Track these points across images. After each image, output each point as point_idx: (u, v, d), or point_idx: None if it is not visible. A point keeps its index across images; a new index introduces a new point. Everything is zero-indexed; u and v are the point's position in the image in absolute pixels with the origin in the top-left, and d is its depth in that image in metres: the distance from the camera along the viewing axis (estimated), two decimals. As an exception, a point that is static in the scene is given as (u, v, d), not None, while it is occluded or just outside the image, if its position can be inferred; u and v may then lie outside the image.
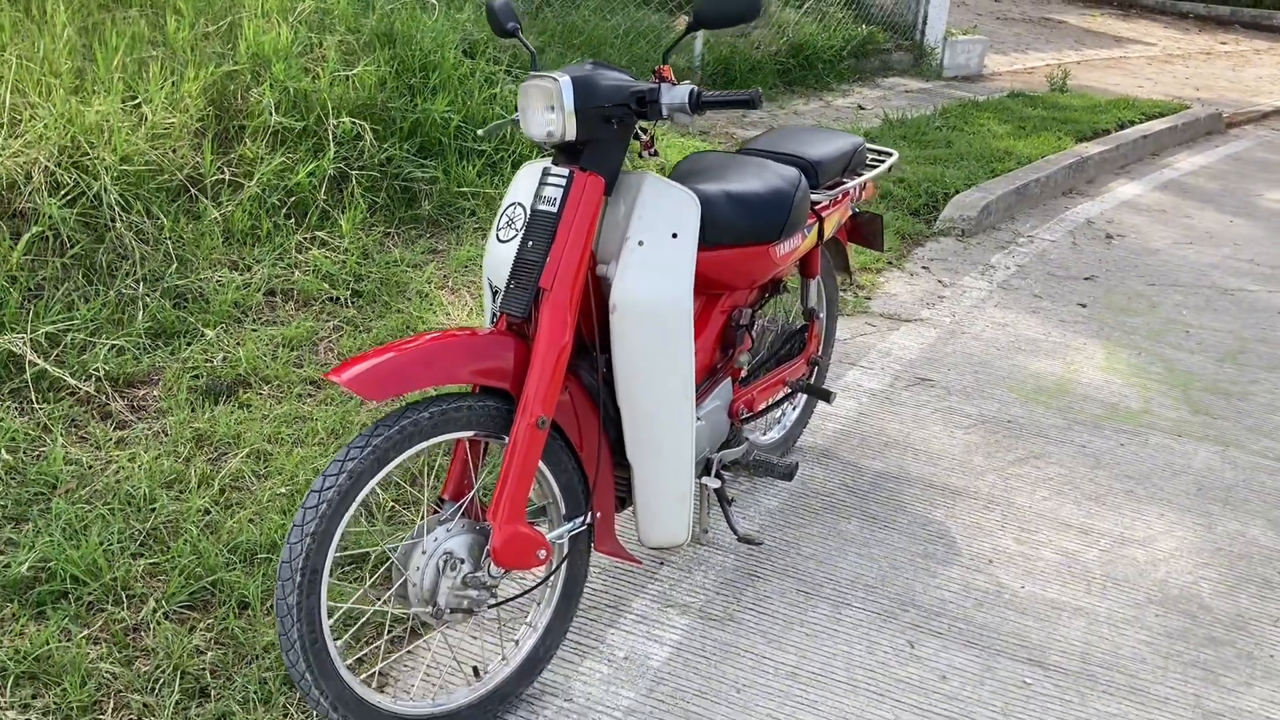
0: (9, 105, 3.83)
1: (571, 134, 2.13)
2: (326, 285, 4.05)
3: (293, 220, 4.34)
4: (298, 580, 1.94)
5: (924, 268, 5.29)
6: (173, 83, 4.33)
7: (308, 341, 3.69)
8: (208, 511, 2.71)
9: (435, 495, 2.29)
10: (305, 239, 4.28)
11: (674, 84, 2.17)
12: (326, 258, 4.17)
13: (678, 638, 2.57)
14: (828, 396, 3.10)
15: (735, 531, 2.81)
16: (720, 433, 2.75)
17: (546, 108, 2.14)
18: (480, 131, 2.64)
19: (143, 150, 4.00)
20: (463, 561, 2.13)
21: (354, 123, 4.73)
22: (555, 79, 2.12)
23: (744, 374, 2.92)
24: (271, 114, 4.53)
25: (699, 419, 2.62)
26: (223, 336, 3.58)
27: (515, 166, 5.30)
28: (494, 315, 2.40)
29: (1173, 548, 3.10)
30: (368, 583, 2.48)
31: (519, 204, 2.35)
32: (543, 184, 2.21)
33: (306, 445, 3.06)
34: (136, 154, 3.96)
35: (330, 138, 4.65)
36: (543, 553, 2.18)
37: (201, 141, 4.32)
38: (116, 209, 3.75)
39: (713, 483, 2.65)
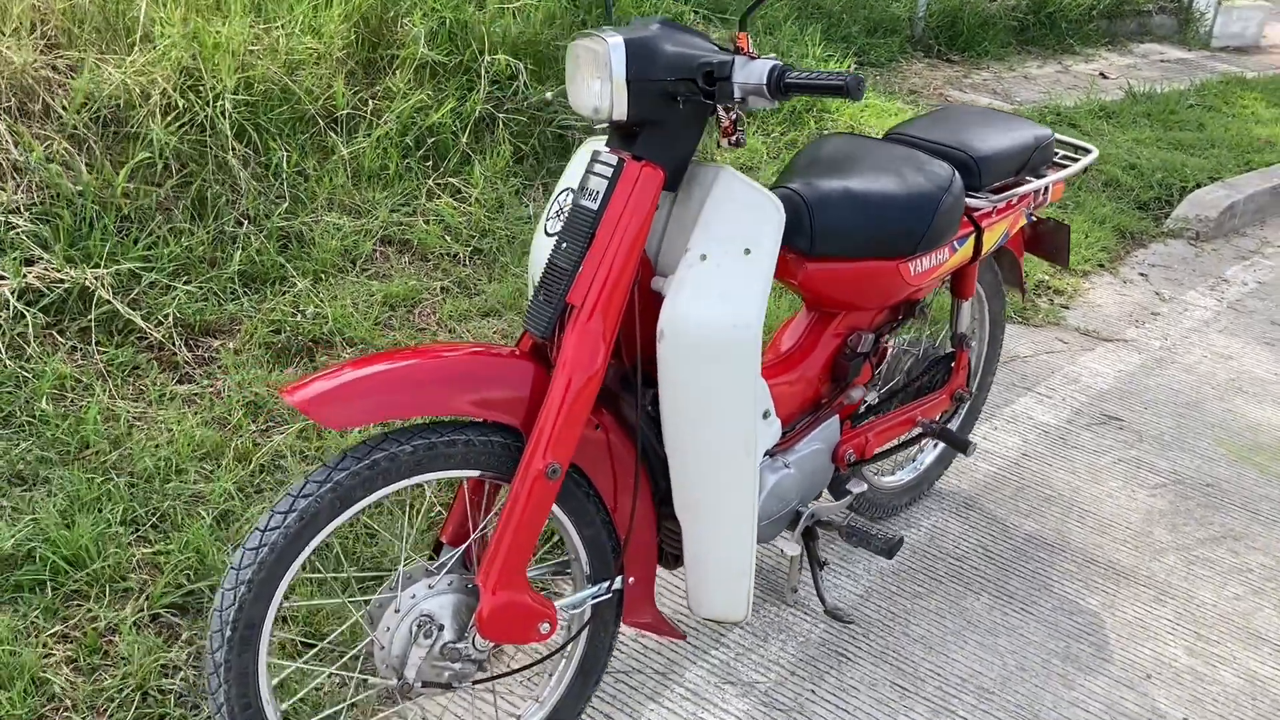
0: (143, 22, 3.64)
1: (621, 112, 1.68)
2: (447, 239, 3.73)
3: (430, 163, 4.04)
4: (228, 634, 1.60)
5: (1141, 275, 4.53)
6: (314, 5, 4.07)
7: (409, 300, 3.39)
8: (231, 496, 2.43)
9: (435, 537, 1.91)
10: (438, 185, 3.97)
11: (753, 56, 1.67)
12: (454, 208, 3.85)
13: (729, 726, 2.13)
14: (965, 447, 2.55)
15: (823, 602, 2.32)
16: (819, 481, 2.27)
17: (594, 76, 1.69)
18: (548, 94, 2.21)
19: (272, 76, 3.76)
20: (442, 628, 1.75)
21: (510, 60, 4.37)
22: (604, 39, 1.66)
23: (861, 409, 2.41)
24: (421, 45, 4.22)
25: (787, 465, 2.14)
26: (318, 287, 3.31)
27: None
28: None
29: (1400, 690, 2.41)
30: (326, 640, 2.09)
31: (571, 190, 1.92)
32: (589, 172, 1.77)
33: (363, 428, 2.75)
34: (262, 80, 3.72)
35: (483, 75, 4.31)
36: (546, 625, 1.78)
37: (344, 72, 4.05)
38: (230, 138, 3.52)
39: (791, 549, 2.17)
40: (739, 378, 1.77)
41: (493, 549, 1.71)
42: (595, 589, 1.88)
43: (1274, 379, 3.77)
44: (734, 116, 1.77)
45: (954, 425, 2.84)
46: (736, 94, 1.65)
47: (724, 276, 1.75)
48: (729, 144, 1.80)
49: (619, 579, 1.90)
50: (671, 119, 1.72)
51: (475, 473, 1.74)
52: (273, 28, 3.93)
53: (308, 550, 1.62)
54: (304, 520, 1.60)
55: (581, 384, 1.70)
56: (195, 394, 2.80)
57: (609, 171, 1.72)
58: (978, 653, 2.38)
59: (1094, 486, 3.03)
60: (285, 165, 3.64)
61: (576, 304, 1.71)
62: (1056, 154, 2.66)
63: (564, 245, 1.75)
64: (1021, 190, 2.45)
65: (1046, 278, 4.29)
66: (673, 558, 2.04)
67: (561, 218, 1.90)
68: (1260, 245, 5.07)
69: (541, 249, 1.93)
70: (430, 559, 1.87)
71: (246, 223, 3.44)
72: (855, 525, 2.26)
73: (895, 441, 2.50)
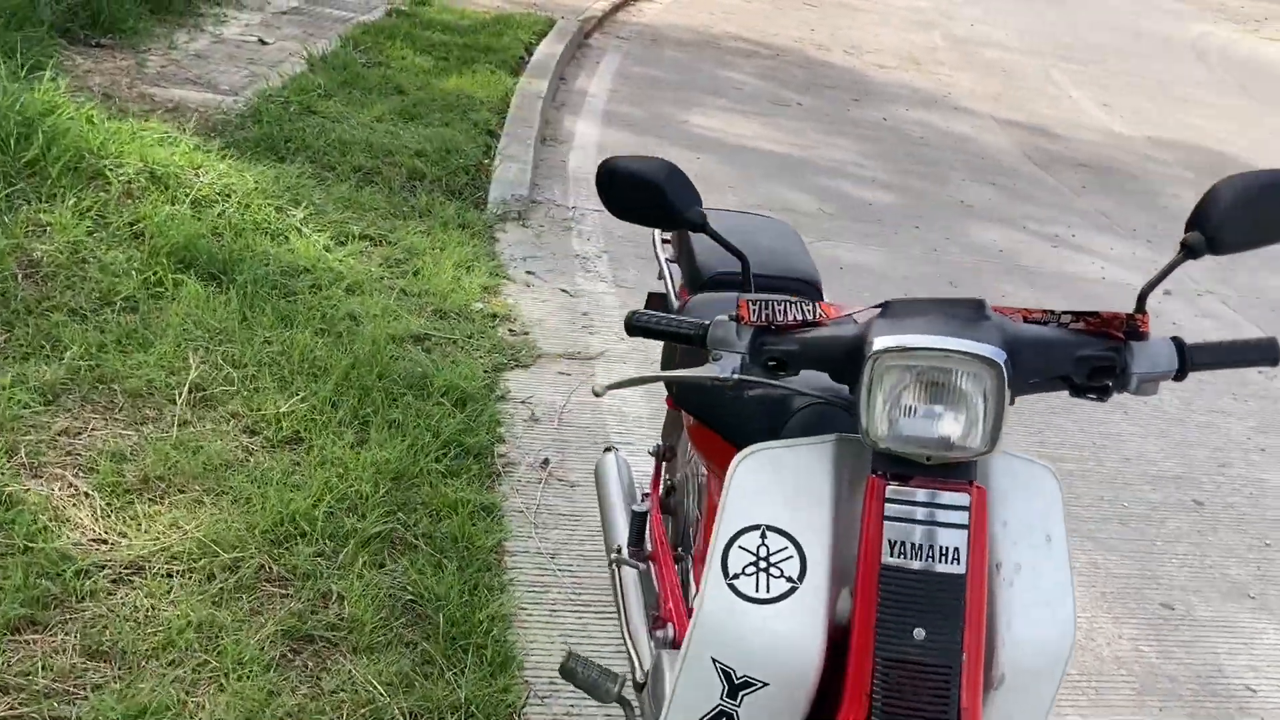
0: None
1: (988, 444, 1.22)
2: None
3: None
4: None
5: (529, 273, 4.53)
6: None
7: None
8: None
9: None
10: None
11: (1146, 337, 1.33)
12: None
13: None
14: None
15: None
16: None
17: (950, 402, 1.19)
18: (595, 389, 1.47)
19: None
20: None
21: None
22: (987, 356, 1.17)
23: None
24: None
25: None
26: None
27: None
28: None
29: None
30: None
31: (779, 531, 1.34)
32: (913, 522, 1.25)
33: None
34: None
35: None
36: None
37: None
38: None
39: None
40: (1056, 686, 1.45)
41: None
42: None
43: (718, 350, 4.13)
44: None
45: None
46: (1134, 385, 1.30)
47: (1042, 583, 1.40)
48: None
49: None
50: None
51: None
52: None
53: None
54: None
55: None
56: None
57: (963, 517, 1.24)
58: None
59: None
60: None
61: (969, 707, 1.24)
62: None
63: (923, 633, 1.23)
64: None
65: (480, 304, 4.07)
66: None
67: (773, 573, 1.32)
68: (568, 210, 5.37)
69: (739, 615, 1.32)
70: None
71: None
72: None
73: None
